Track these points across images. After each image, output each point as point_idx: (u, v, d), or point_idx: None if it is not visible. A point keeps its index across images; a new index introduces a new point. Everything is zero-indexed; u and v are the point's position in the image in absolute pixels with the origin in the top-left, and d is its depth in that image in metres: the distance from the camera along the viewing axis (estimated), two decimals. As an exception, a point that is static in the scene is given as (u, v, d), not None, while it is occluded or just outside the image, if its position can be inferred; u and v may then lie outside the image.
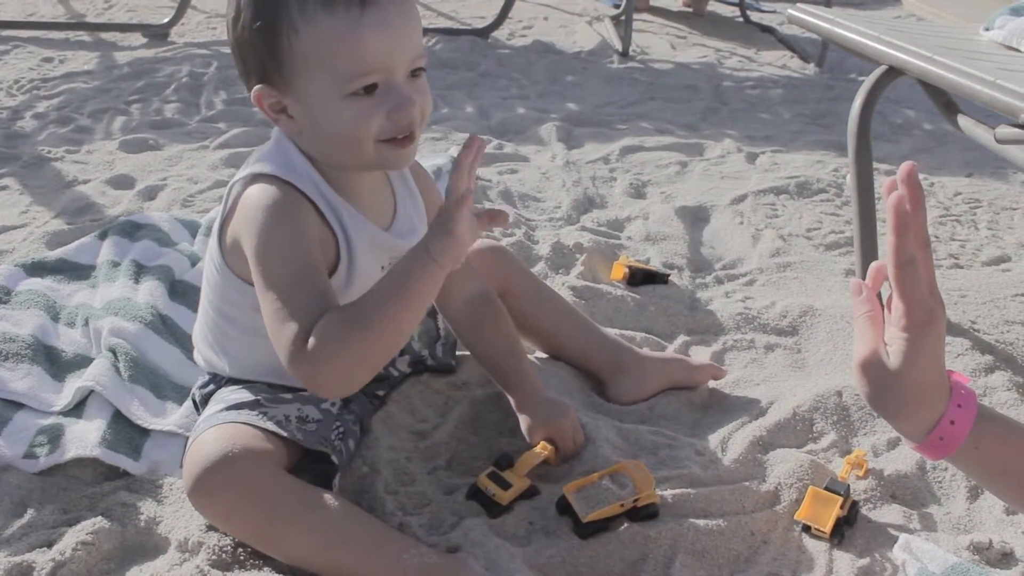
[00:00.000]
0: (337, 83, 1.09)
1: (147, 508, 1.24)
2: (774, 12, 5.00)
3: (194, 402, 1.37)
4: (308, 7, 1.07)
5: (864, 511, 1.29)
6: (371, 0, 1.08)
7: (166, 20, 3.90)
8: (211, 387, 1.32)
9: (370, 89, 1.10)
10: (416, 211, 1.31)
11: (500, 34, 4.21)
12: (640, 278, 1.90)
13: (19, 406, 1.41)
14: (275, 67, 1.11)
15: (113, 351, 1.49)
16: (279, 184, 1.16)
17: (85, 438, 1.32)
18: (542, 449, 1.32)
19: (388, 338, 1.09)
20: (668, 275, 1.94)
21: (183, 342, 1.57)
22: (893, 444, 1.41)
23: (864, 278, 1.78)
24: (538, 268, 1.92)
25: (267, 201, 1.14)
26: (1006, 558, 1.21)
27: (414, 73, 1.13)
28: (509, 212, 1.06)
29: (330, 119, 1.12)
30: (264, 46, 1.10)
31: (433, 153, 2.60)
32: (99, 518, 1.19)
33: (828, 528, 1.22)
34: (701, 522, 1.22)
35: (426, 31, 4.08)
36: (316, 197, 1.17)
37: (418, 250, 1.07)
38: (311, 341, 1.06)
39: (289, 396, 1.25)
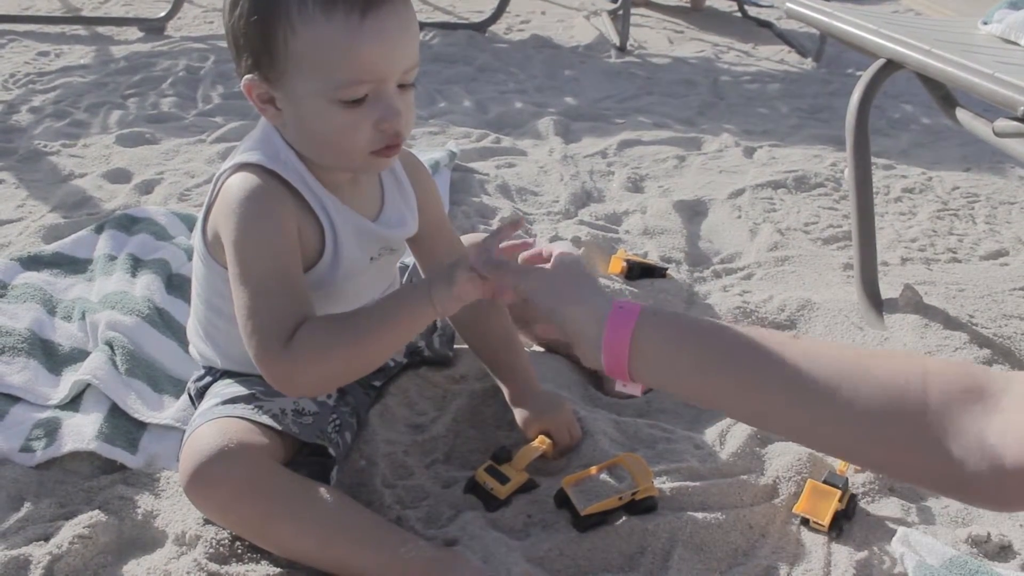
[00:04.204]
0: (328, 88, 1.08)
1: (144, 502, 1.24)
2: (772, 7, 4.99)
3: (190, 396, 1.36)
4: (307, 8, 1.05)
5: (862, 504, 1.29)
6: (372, 9, 1.06)
7: (162, 14, 3.89)
8: (206, 380, 1.31)
9: (360, 99, 1.09)
10: (406, 203, 1.31)
11: (497, 28, 4.20)
12: (638, 272, 1.90)
13: (15, 400, 1.40)
14: (268, 61, 1.10)
15: (110, 344, 1.48)
16: (263, 174, 1.15)
17: (82, 432, 1.32)
18: (540, 443, 1.32)
19: (368, 357, 1.14)
20: (666, 269, 1.94)
21: (180, 335, 1.56)
22: (891, 437, 1.41)
23: (863, 272, 1.81)
24: (536, 262, 1.92)
25: (246, 193, 1.13)
26: (1004, 551, 1.21)
27: (403, 86, 1.12)
28: (509, 289, 1.09)
29: (317, 121, 1.11)
30: (259, 39, 1.09)
31: (431, 147, 2.60)
32: (96, 512, 1.19)
33: (826, 521, 1.22)
34: (699, 515, 1.22)
35: (423, 25, 4.08)
36: (301, 187, 1.17)
37: (420, 288, 1.11)
38: (292, 346, 1.08)
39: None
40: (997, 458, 0.78)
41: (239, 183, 1.14)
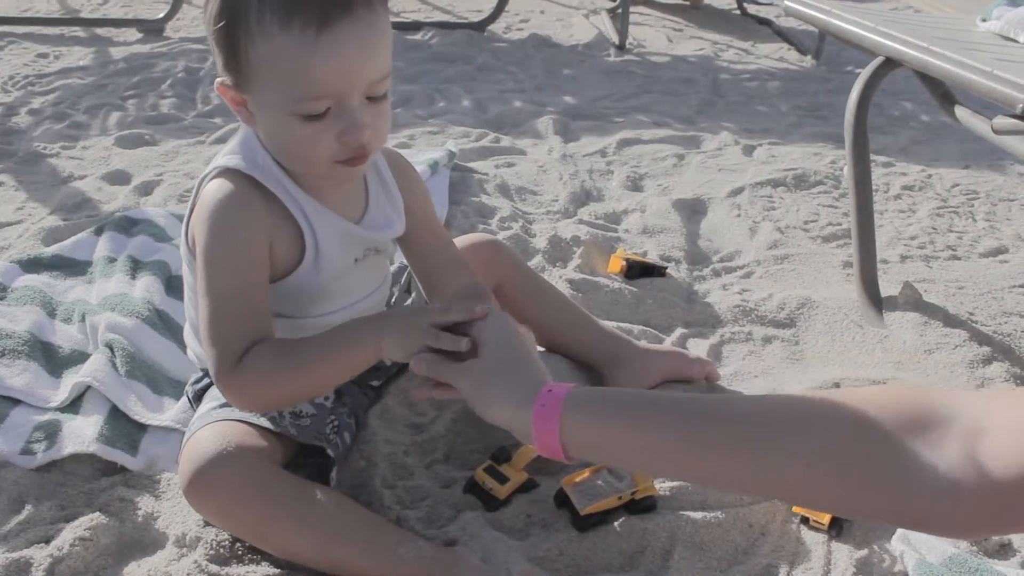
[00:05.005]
0: (287, 101, 1.06)
1: (145, 503, 1.24)
2: (771, 4, 4.98)
3: (188, 398, 1.36)
4: (265, 20, 1.03)
5: (862, 502, 1.28)
6: (328, 25, 1.03)
7: (161, 15, 3.89)
8: (205, 382, 1.31)
9: (321, 112, 1.07)
10: (392, 204, 1.30)
11: (496, 27, 4.20)
12: (637, 271, 1.90)
13: (16, 402, 1.40)
14: (234, 66, 1.09)
15: (110, 346, 1.48)
16: (241, 180, 1.15)
17: (82, 434, 1.32)
18: (540, 443, 1.32)
19: (309, 389, 1.17)
20: (665, 268, 1.94)
21: (179, 337, 1.56)
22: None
23: (863, 270, 1.79)
24: (535, 261, 1.92)
25: (218, 204, 1.13)
26: (1004, 549, 1.21)
27: (373, 98, 1.09)
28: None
29: (281, 131, 1.11)
30: (225, 45, 1.09)
31: (430, 147, 2.60)
32: (97, 514, 1.19)
33: (826, 520, 1.22)
34: (699, 515, 1.22)
35: (422, 25, 4.08)
36: (279, 191, 1.17)
37: (371, 332, 1.11)
38: (242, 365, 1.10)
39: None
40: (952, 488, 0.75)
41: (215, 191, 1.15)
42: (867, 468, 0.81)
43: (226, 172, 1.16)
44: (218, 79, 1.13)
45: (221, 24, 1.07)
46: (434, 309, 1.12)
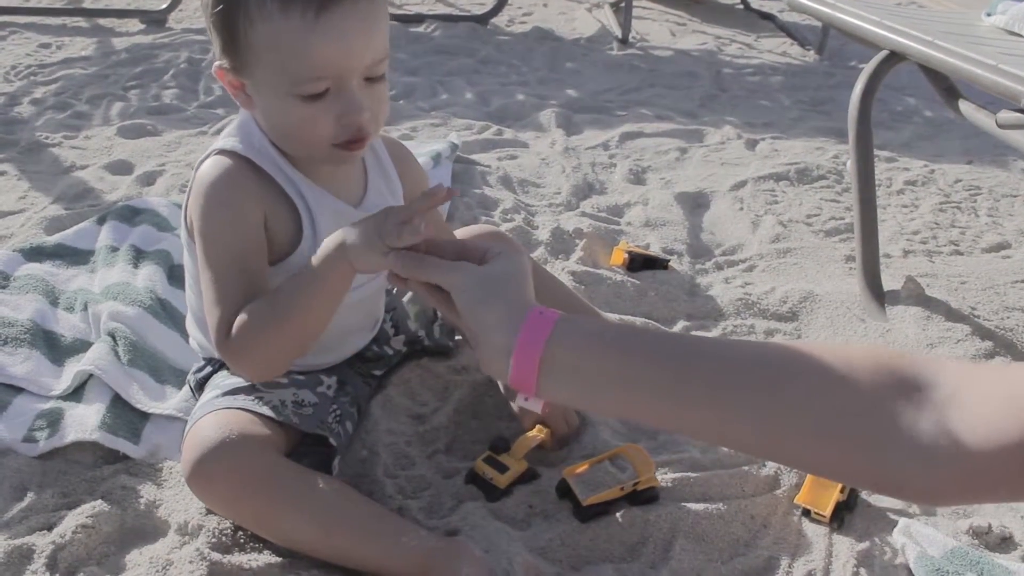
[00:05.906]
0: (286, 82, 1.07)
1: (147, 491, 1.24)
2: (774, -1, 4.98)
3: (190, 387, 1.36)
4: (266, 4, 1.04)
5: (864, 495, 1.29)
6: (327, 8, 1.04)
7: (164, 6, 3.88)
8: (207, 371, 1.31)
9: (321, 93, 1.08)
10: (390, 190, 1.30)
11: (499, 20, 4.19)
12: (640, 263, 1.90)
13: (18, 390, 1.41)
14: (232, 50, 1.10)
15: (112, 335, 1.48)
16: (237, 160, 1.16)
17: (84, 422, 1.32)
18: (537, 432, 1.33)
19: (303, 328, 1.13)
20: (668, 261, 1.94)
21: (182, 326, 1.56)
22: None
23: (865, 264, 1.77)
24: (538, 253, 1.92)
25: (212, 180, 1.15)
26: (1005, 542, 1.21)
27: (372, 79, 1.10)
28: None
29: (279, 113, 1.11)
30: (223, 29, 1.09)
31: (433, 139, 2.60)
32: (99, 501, 1.19)
33: (828, 512, 1.22)
34: (701, 506, 1.22)
35: (425, 17, 4.08)
36: (275, 173, 1.17)
37: (337, 250, 1.08)
38: (233, 330, 1.11)
39: (284, 380, 1.25)
40: (927, 452, 0.75)
41: (209, 169, 1.16)
42: (845, 421, 0.79)
43: (222, 152, 1.17)
44: (216, 63, 1.13)
45: (219, 8, 1.08)
46: (395, 208, 1.08)
